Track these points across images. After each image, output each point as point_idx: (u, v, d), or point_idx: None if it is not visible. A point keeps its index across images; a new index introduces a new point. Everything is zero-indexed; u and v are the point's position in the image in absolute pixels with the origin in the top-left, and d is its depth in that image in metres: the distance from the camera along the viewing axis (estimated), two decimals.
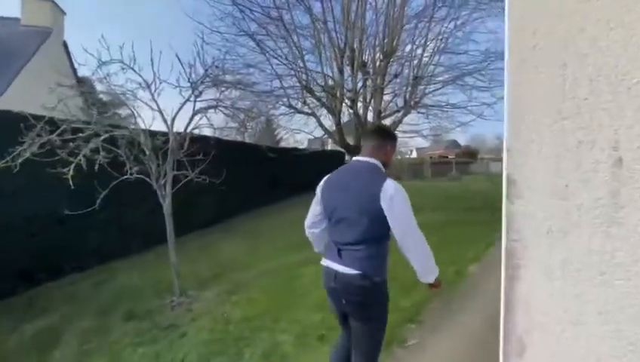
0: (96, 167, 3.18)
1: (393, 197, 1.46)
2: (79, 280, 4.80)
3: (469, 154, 42.40)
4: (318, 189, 1.74)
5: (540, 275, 0.71)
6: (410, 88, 8.43)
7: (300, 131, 10.93)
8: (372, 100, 9.02)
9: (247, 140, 19.06)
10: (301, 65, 8.19)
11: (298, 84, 8.52)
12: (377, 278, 1.50)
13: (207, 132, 5.32)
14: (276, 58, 8.02)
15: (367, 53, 8.99)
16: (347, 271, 1.48)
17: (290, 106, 9.44)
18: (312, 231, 1.82)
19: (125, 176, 3.45)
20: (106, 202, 3.57)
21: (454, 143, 57.02)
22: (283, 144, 27.14)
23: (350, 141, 9.90)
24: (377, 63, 8.65)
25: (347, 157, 9.87)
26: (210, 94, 4.03)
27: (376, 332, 1.58)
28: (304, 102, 9.60)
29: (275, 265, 5.00)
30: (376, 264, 1.51)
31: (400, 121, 9.13)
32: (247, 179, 9.58)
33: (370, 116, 9.69)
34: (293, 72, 8.29)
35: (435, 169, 23.55)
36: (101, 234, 5.45)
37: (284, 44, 8.36)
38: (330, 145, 26.21)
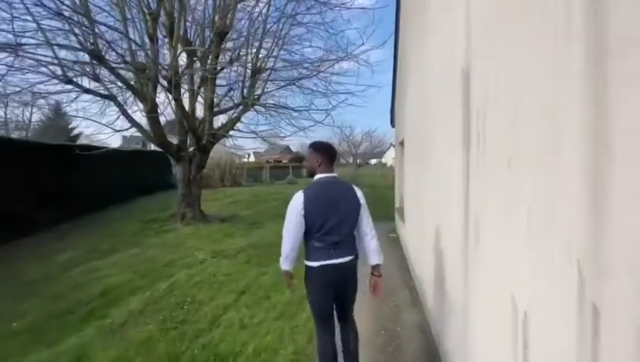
0: None
1: (363, 197, 2.06)
2: None
3: (299, 160, 46.45)
4: (300, 211, 1.89)
5: None
6: (248, 82, 7.06)
7: (102, 123, 7.38)
8: (201, 88, 7.06)
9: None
10: (83, 18, 5.23)
11: (78, 47, 5.46)
12: (356, 258, 2.07)
13: None
14: None
15: (191, 28, 6.98)
16: (347, 259, 1.95)
17: (68, 81, 6.08)
18: (294, 253, 2.00)
19: None
20: None
21: (288, 149, 61.19)
22: (85, 141, 19.45)
23: (173, 139, 7.51)
24: (207, 43, 6.79)
25: (173, 162, 7.41)
26: None
27: (355, 298, 2.13)
28: (95, 78, 6.46)
29: None
30: (356, 248, 2.05)
31: (238, 119, 7.62)
32: None
33: (200, 109, 7.66)
34: (67, 25, 5.18)
35: (272, 173, 23.49)
36: None
37: None
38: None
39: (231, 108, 7.98)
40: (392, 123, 8.61)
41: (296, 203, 1.89)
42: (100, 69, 6.28)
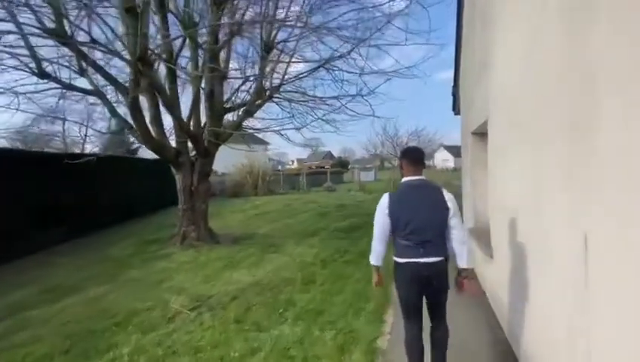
0: None
1: (453, 201, 2.03)
2: None
3: (342, 165, 45.42)
4: (385, 211, 2.03)
5: None
6: (260, 60, 5.39)
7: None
8: (204, 71, 5.52)
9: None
10: None
11: (36, 25, 4.23)
12: (448, 261, 2.05)
13: None
14: None
15: None
16: (433, 259, 1.96)
17: (43, 75, 4.98)
18: (380, 250, 2.12)
19: None
20: None
21: (329, 154, 60.32)
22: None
23: (172, 140, 6.11)
24: (207, 12, 5.24)
25: (173, 170, 6.01)
26: None
27: (446, 299, 2.11)
28: (81, 71, 5.33)
29: None
30: (447, 250, 2.04)
31: (249, 113, 5.98)
32: None
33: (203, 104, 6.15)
34: None
35: (310, 179, 21.93)
36: None
37: None
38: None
39: (253, 102, 6.39)
40: (455, 108, 6.34)
41: (382, 204, 2.05)
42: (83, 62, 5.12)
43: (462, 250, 2.01)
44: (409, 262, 1.96)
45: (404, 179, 2.09)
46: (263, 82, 5.38)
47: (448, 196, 2.02)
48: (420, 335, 2.07)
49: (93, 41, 4.37)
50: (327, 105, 6.67)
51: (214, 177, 22.14)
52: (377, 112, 8.64)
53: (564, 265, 1.63)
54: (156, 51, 4.54)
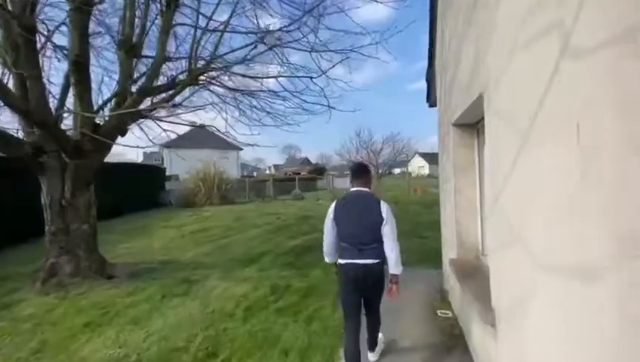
0: None
1: (387, 212, 2.23)
2: None
3: (318, 171, 44.82)
4: (331, 216, 2.32)
5: None
6: (161, 17, 3.77)
7: None
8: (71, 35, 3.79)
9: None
10: None
11: None
12: (384, 264, 2.26)
13: None
14: None
15: None
16: (369, 261, 2.20)
17: None
18: (330, 249, 2.40)
19: None
20: None
21: (307, 160, 59.13)
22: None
23: (38, 139, 4.27)
24: None
25: (41, 177, 4.17)
26: None
27: (381, 296, 2.36)
28: None
29: None
30: (383, 255, 2.24)
31: (147, 93, 4.27)
32: None
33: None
34: None
35: (279, 187, 20.20)
36: None
37: None
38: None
39: (170, 88, 4.75)
40: (430, 98, 4.98)
41: (330, 209, 2.33)
42: None
43: (391, 256, 2.21)
44: (348, 263, 2.23)
45: (351, 189, 2.39)
46: (158, 49, 3.77)
47: (384, 207, 2.22)
48: (356, 333, 2.26)
49: None
50: (265, 89, 5.18)
51: (173, 183, 19.70)
52: (349, 121, 7.26)
53: None
54: None
